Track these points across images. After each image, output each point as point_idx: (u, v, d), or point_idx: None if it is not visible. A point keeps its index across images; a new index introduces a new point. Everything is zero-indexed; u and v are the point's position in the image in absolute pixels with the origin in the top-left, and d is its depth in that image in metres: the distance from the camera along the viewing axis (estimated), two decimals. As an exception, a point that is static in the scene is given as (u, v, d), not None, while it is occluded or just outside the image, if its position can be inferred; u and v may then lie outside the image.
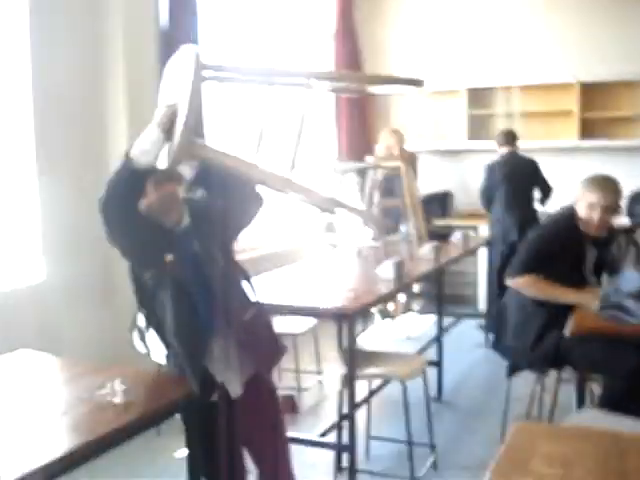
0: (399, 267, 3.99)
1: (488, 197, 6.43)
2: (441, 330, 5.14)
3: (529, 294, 3.57)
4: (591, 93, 6.97)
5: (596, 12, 6.98)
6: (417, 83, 3.12)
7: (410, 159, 6.34)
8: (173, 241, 2.69)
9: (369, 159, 5.25)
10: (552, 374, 3.63)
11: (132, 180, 2.50)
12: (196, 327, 2.70)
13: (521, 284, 3.58)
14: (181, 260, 2.68)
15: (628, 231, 5.10)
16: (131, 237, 2.61)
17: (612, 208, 3.51)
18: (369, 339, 6.22)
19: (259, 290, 3.02)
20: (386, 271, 3.98)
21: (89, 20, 4.37)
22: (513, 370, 3.72)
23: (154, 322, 2.75)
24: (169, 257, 2.64)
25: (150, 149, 2.44)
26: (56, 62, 4.13)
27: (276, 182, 2.51)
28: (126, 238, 2.62)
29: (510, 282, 3.63)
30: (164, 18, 4.81)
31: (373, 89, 3.78)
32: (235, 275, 2.92)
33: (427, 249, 4.69)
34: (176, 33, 4.85)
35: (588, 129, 7.02)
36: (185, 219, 2.74)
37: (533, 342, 3.52)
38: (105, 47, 4.45)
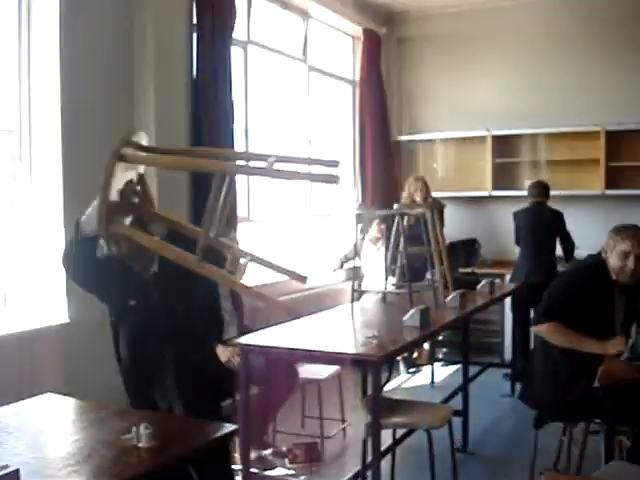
0: (425, 315, 3.96)
1: (517, 238, 6.61)
2: (467, 379, 5.09)
3: (553, 341, 3.54)
4: (617, 141, 6.97)
5: (621, 59, 7.00)
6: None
7: (436, 206, 6.34)
8: (138, 287, 2.99)
9: (395, 206, 5.26)
10: (580, 425, 3.57)
11: (83, 244, 2.79)
12: (143, 364, 3.09)
13: (545, 331, 3.56)
14: (141, 305, 3.01)
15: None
16: (94, 285, 3.01)
17: None
18: (393, 387, 6.17)
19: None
20: (411, 319, 3.95)
21: (123, 73, 4.51)
22: (540, 421, 3.66)
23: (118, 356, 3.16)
24: (132, 302, 3.00)
25: (92, 220, 2.67)
26: (88, 116, 4.24)
27: (187, 262, 2.49)
28: (89, 286, 3.02)
29: (535, 329, 3.61)
30: (195, 68, 4.94)
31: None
32: (192, 323, 3.19)
33: (453, 297, 4.66)
34: (207, 83, 4.95)
35: (614, 178, 7.00)
36: (154, 267, 2.99)
37: (561, 392, 3.47)
38: (137, 102, 4.58)
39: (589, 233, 6.13)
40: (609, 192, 7.00)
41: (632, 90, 6.95)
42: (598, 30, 7.08)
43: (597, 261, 3.61)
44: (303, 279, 2.52)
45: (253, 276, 5.82)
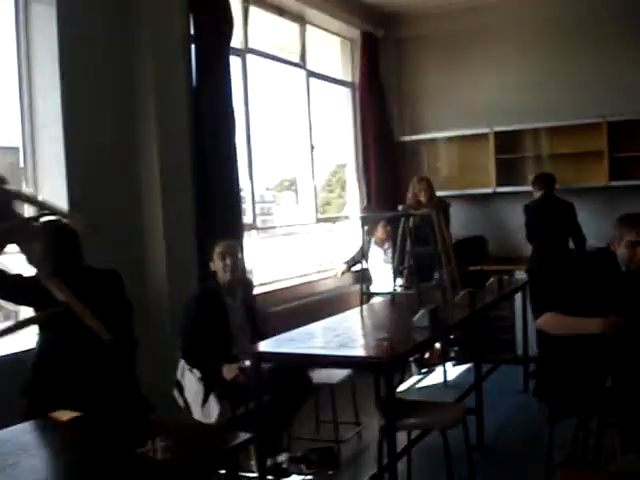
0: (434, 315, 3.97)
1: (529, 233, 6.59)
2: (479, 377, 5.07)
3: (554, 332, 3.51)
4: (619, 132, 6.95)
5: (619, 51, 6.99)
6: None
7: (441, 205, 6.36)
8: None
9: (400, 208, 5.27)
10: (595, 418, 3.56)
11: None
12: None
13: (541, 323, 3.54)
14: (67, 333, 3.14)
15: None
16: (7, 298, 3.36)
17: None
18: (406, 388, 6.16)
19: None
20: (421, 319, 3.96)
21: (122, 87, 4.53)
22: (555, 416, 3.64)
23: None
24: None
25: None
26: (91, 132, 4.26)
27: None
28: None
29: (535, 324, 3.61)
30: (195, 80, 4.95)
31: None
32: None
33: (462, 295, 4.66)
34: (207, 94, 4.96)
35: (618, 169, 6.98)
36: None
37: (576, 387, 3.46)
38: (138, 116, 4.60)
39: (595, 225, 6.13)
40: (614, 183, 6.97)
41: (632, 81, 6.92)
42: (596, 22, 7.06)
43: (602, 253, 3.59)
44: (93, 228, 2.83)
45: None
